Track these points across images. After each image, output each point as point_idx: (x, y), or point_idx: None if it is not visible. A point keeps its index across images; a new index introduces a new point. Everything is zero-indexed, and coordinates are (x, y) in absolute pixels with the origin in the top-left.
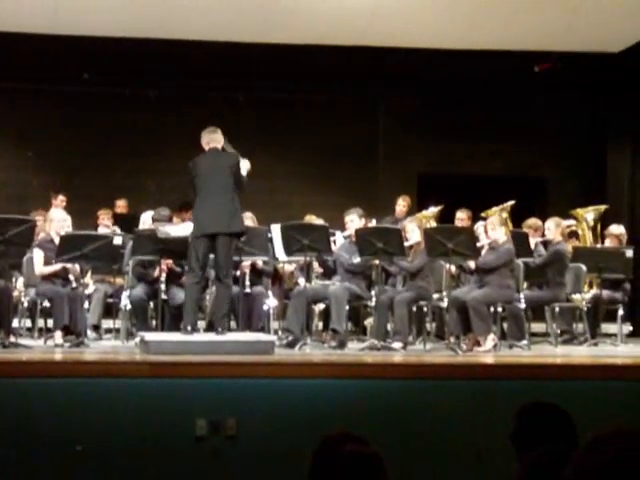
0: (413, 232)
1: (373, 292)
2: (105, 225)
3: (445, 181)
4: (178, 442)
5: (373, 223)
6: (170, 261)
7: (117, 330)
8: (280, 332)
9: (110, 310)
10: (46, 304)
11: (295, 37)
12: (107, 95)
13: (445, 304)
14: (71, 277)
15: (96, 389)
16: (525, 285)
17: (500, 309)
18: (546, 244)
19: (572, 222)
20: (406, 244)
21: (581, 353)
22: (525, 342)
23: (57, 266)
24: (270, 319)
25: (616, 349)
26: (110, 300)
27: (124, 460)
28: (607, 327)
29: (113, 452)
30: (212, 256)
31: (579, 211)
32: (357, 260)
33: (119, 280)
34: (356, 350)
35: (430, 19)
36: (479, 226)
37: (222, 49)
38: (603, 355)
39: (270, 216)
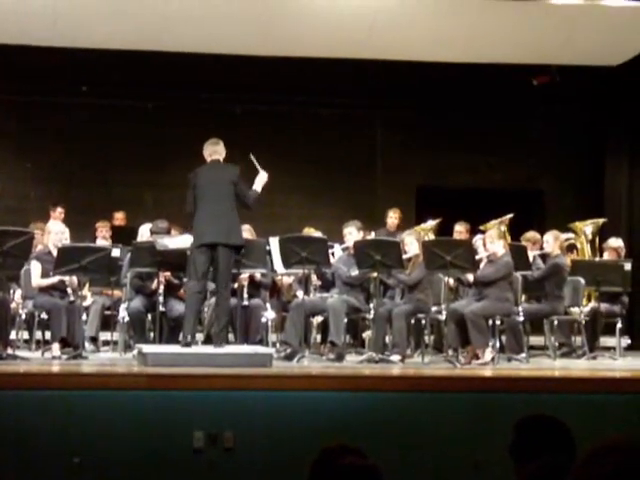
0: (411, 245)
1: (371, 305)
2: (103, 237)
3: (444, 194)
4: (175, 454)
5: (372, 236)
6: (168, 273)
7: (115, 342)
8: (278, 344)
9: (108, 322)
10: (44, 316)
11: (293, 50)
12: (105, 107)
13: (443, 317)
14: (69, 289)
15: (94, 401)
16: (523, 298)
17: (498, 322)
18: (544, 257)
19: (570, 235)
20: (404, 257)
21: (579, 366)
22: (523, 355)
23: (54, 278)
24: (268, 331)
25: (614, 362)
26: (108, 312)
27: (122, 472)
28: (605, 340)
29: (111, 464)
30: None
31: (577, 224)
32: (355, 273)
33: (117, 292)
34: (354, 363)
35: (429, 32)
36: (477, 239)
37: (220, 61)
38: (601, 368)
39: (268, 228)
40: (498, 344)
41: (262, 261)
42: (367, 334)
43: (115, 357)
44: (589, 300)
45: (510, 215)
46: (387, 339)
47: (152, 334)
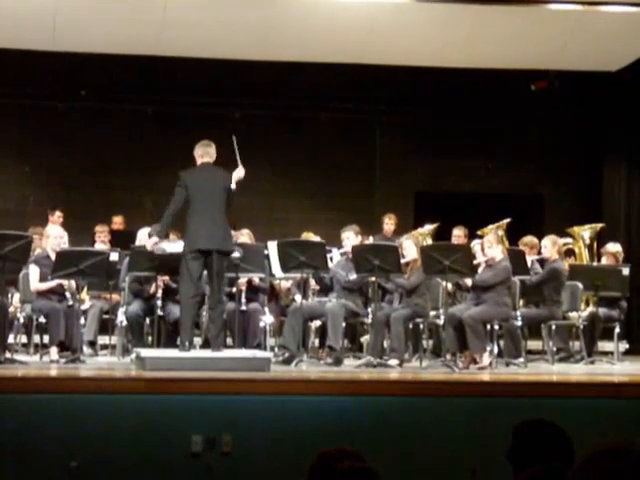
0: (410, 249)
1: (369, 309)
2: (102, 241)
3: (442, 199)
4: (174, 458)
5: (370, 240)
6: (166, 277)
7: (113, 346)
8: (276, 349)
9: (106, 326)
10: (42, 320)
11: (292, 54)
12: (104, 111)
13: (442, 321)
14: (67, 293)
15: (92, 405)
16: (522, 303)
17: (497, 327)
18: (542, 262)
19: (569, 240)
20: (403, 261)
21: (577, 371)
22: (521, 360)
23: (52, 282)
24: (266, 336)
25: (612, 367)
26: (106, 316)
27: (119, 476)
28: (603, 345)
29: (109, 468)
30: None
31: (575, 229)
32: (354, 277)
33: (115, 296)
34: (352, 367)
35: (428, 38)
36: (476, 244)
37: (219, 66)
38: (599, 373)
39: (267, 233)
40: (496, 349)
41: (260, 265)
42: (365, 338)
43: (113, 361)
44: (587, 305)
45: (507, 220)
46: (385, 343)
47: (150, 338)
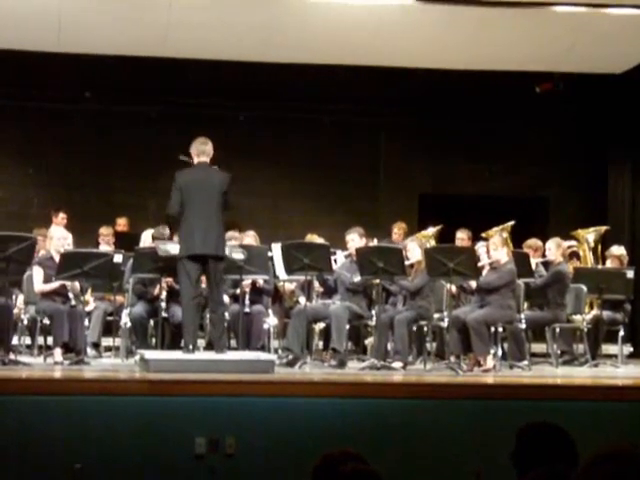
0: (414, 251)
1: (373, 311)
2: (106, 243)
3: (446, 201)
4: (177, 460)
5: (374, 243)
6: (170, 279)
7: (117, 348)
8: (280, 351)
9: (110, 328)
10: (46, 321)
11: (296, 57)
12: (108, 113)
13: (445, 324)
14: (70, 295)
15: (95, 407)
16: (526, 305)
17: (501, 329)
18: (547, 265)
19: (573, 243)
20: (407, 263)
21: (581, 374)
22: (525, 362)
23: (56, 284)
24: (270, 338)
25: (616, 370)
26: (110, 318)
27: (123, 478)
28: (607, 348)
29: (112, 470)
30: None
31: (580, 232)
32: (358, 279)
33: (119, 298)
34: (356, 369)
35: (432, 40)
36: (480, 246)
37: (224, 68)
38: (603, 376)
39: (271, 235)
40: (500, 351)
41: (264, 267)
42: (369, 341)
43: (117, 363)
44: (591, 308)
45: (512, 222)
46: (389, 346)
47: (154, 340)
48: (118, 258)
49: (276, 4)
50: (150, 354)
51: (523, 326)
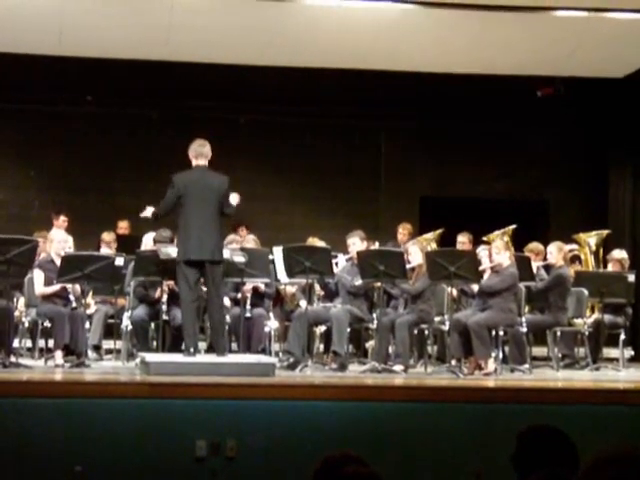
0: (415, 255)
1: (374, 314)
2: (108, 247)
3: (447, 204)
4: (178, 463)
5: (375, 246)
6: (171, 282)
7: (118, 351)
8: (281, 354)
9: (111, 331)
10: (47, 324)
11: (297, 60)
12: (109, 116)
13: (447, 327)
14: (71, 297)
15: (96, 409)
16: (527, 309)
17: (502, 333)
18: (548, 268)
19: (574, 246)
20: (408, 267)
21: (582, 377)
22: (526, 366)
23: (57, 286)
24: (271, 341)
25: (618, 374)
26: (111, 321)
27: None
28: (609, 352)
29: (113, 473)
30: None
31: (581, 236)
32: (359, 282)
33: (120, 301)
34: (357, 372)
35: (433, 43)
36: (481, 250)
37: (224, 71)
38: (605, 380)
39: (272, 238)
40: (501, 355)
41: (266, 270)
42: (370, 344)
43: (118, 365)
44: (592, 311)
45: (513, 226)
46: (390, 349)
47: (155, 343)
48: (119, 261)
49: (277, 7)
50: (151, 357)
51: (524, 329)
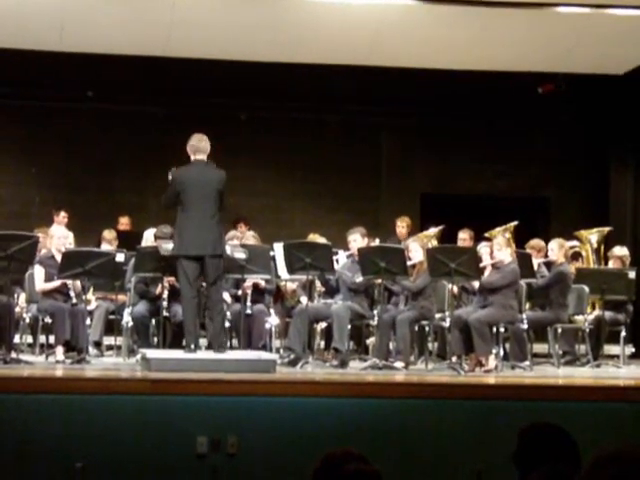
0: (416, 252)
1: (375, 311)
2: (109, 244)
3: (448, 201)
4: (179, 459)
5: (376, 242)
6: (172, 278)
7: (119, 347)
8: (282, 350)
9: (112, 327)
10: (48, 320)
11: (298, 57)
12: (110, 112)
13: (447, 324)
14: (71, 293)
15: (97, 406)
16: (528, 306)
17: (502, 329)
18: (549, 265)
19: (575, 243)
20: (409, 263)
21: (583, 374)
22: (527, 363)
23: (57, 282)
24: (272, 337)
25: (618, 370)
26: (112, 317)
27: (124, 477)
28: (609, 348)
29: (114, 469)
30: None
31: (583, 232)
32: (359, 279)
33: (121, 297)
34: (358, 369)
35: (434, 40)
36: (482, 246)
37: (225, 67)
38: (605, 376)
39: (273, 234)
40: (502, 352)
41: (266, 267)
42: (371, 341)
43: (119, 362)
44: (593, 308)
45: (515, 222)
46: (391, 346)
47: (156, 339)
48: (120, 257)
49: (279, 4)
50: (152, 353)
51: (525, 326)
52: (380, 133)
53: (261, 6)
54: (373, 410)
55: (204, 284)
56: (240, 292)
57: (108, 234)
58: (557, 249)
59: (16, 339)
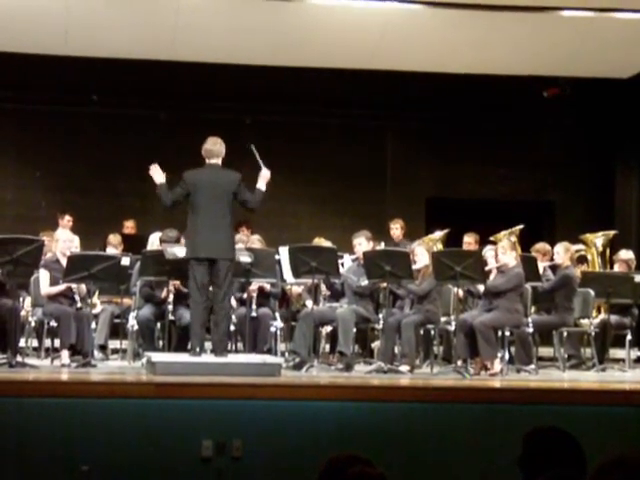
0: (421, 255)
1: (381, 315)
2: (113, 246)
3: (453, 205)
4: (184, 463)
5: (381, 246)
6: (177, 282)
7: (124, 350)
8: (287, 354)
9: (117, 330)
10: (53, 324)
11: (303, 60)
12: (115, 116)
13: (453, 327)
14: (76, 297)
15: (102, 409)
16: (533, 309)
17: (508, 333)
18: (554, 268)
19: (581, 247)
20: (414, 267)
21: (589, 378)
22: (532, 366)
23: (62, 286)
24: (277, 341)
25: (624, 374)
26: (117, 320)
27: None
28: (615, 352)
29: (119, 473)
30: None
31: (588, 236)
32: (365, 283)
33: (126, 300)
34: (363, 373)
35: (439, 43)
36: (487, 250)
37: (230, 71)
38: (611, 380)
39: (278, 238)
40: (507, 355)
41: (272, 271)
42: (376, 344)
43: (124, 365)
44: (599, 312)
45: (520, 226)
46: (396, 349)
47: (161, 343)
48: (125, 261)
49: (283, 7)
50: (157, 357)
51: (530, 330)
52: (385, 137)
53: (265, 10)
54: (378, 414)
55: (211, 288)
56: (245, 295)
57: (113, 238)
58: (563, 252)
59: (21, 343)
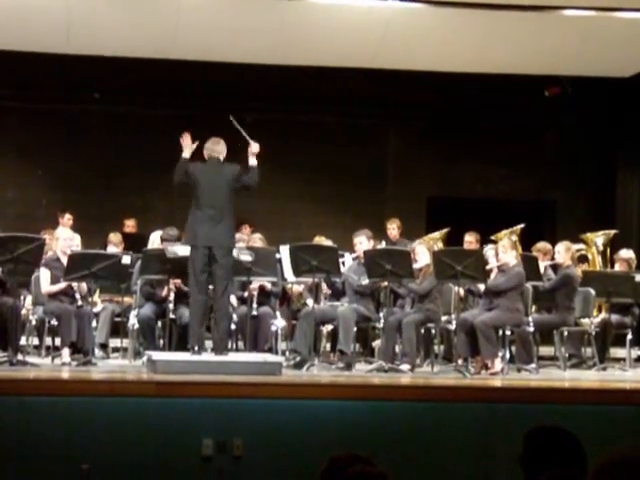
0: (422, 255)
1: (381, 314)
2: (114, 244)
3: (455, 204)
4: (184, 462)
5: (382, 245)
6: (178, 280)
7: (125, 349)
8: (288, 353)
9: (118, 329)
10: (54, 322)
11: (305, 59)
12: (116, 114)
13: (453, 326)
14: (77, 295)
15: (103, 408)
16: (534, 308)
17: (509, 332)
18: (555, 268)
19: (582, 246)
20: (415, 266)
21: (589, 377)
22: (533, 366)
23: (63, 285)
24: (278, 340)
25: (624, 374)
26: (118, 319)
27: (130, 479)
28: (616, 351)
29: (119, 471)
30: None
31: (589, 235)
32: (365, 281)
33: (127, 299)
34: (364, 372)
35: (441, 43)
36: (488, 249)
37: (232, 70)
38: (611, 379)
39: (279, 237)
40: (508, 354)
41: (272, 269)
42: (377, 343)
43: (125, 364)
44: (600, 311)
45: (521, 225)
46: (397, 348)
47: (162, 341)
48: (126, 259)
49: (284, 7)
50: (157, 355)
51: (531, 329)
52: (386, 136)
53: (267, 8)
54: (379, 412)
55: (211, 287)
56: (246, 294)
57: (114, 237)
58: (563, 252)
59: (22, 341)
